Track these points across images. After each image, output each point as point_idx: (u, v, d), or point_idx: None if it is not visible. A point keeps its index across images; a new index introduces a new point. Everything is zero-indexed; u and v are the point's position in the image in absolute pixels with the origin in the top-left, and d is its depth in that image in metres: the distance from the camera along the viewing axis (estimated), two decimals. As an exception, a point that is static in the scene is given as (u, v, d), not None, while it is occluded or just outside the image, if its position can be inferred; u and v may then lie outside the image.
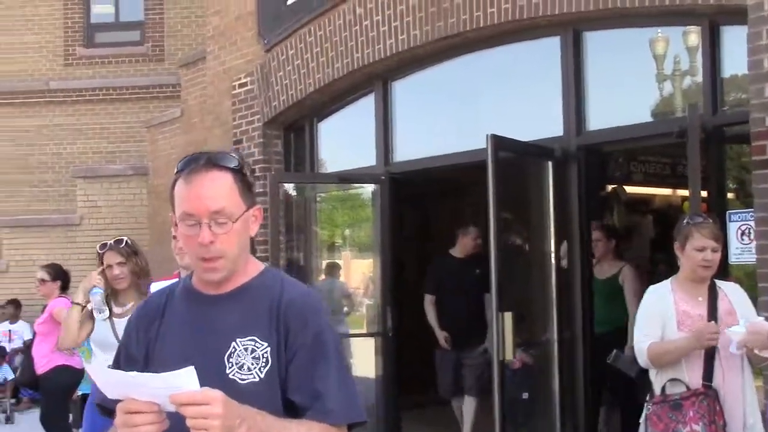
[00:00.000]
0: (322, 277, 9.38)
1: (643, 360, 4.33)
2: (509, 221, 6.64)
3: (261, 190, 9.07)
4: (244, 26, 9.48)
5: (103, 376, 2.05)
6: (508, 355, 6.04)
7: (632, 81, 6.63)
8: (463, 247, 8.23)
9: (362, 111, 8.72)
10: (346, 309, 9.60)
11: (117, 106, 15.46)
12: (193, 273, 2.34)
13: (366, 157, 8.56)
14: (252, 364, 2.15)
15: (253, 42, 9.34)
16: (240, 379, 2.15)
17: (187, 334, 2.24)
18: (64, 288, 7.69)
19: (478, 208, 6.68)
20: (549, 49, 6.86)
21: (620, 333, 6.69)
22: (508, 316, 6.05)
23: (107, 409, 2.16)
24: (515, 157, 6.63)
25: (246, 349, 2.16)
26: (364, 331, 8.74)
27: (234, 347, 2.16)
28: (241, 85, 9.45)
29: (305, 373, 2.16)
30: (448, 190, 10.44)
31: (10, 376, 11.07)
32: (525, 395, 6.85)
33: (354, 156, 8.91)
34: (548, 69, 6.88)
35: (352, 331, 8.99)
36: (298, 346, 2.17)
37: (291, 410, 2.17)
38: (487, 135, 6.15)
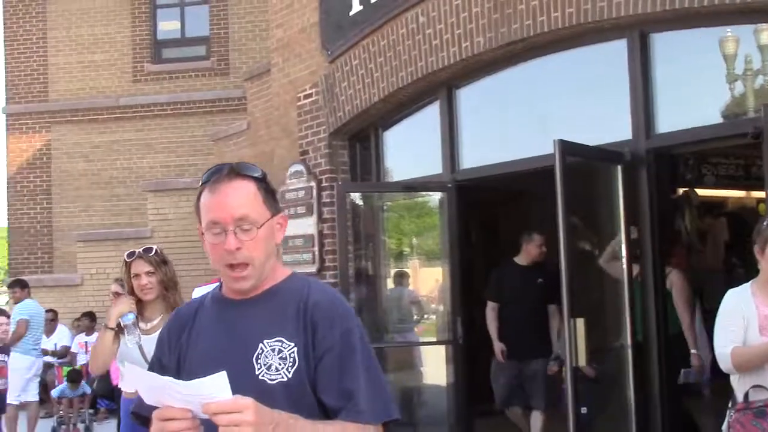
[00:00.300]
0: (391, 285, 9.39)
1: (726, 365, 4.21)
2: (578, 227, 6.56)
3: (328, 200, 9.14)
4: (308, 38, 9.55)
5: (139, 379, 2.07)
6: (582, 362, 5.97)
7: (702, 82, 6.51)
8: (527, 254, 8.09)
9: (427, 119, 8.71)
10: (415, 317, 9.59)
11: (184, 120, 15.71)
12: (222, 283, 2.38)
13: (432, 165, 8.55)
14: (279, 364, 2.18)
15: (317, 53, 9.40)
16: (269, 379, 2.18)
17: (216, 339, 2.28)
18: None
19: (546, 214, 6.61)
20: (615, 51, 6.78)
21: (668, 342, 6.58)
22: (580, 323, 5.99)
23: (142, 417, 2.21)
24: (583, 162, 6.56)
25: (273, 350, 2.19)
26: (434, 339, 8.72)
27: (261, 348, 2.20)
28: (306, 96, 9.52)
29: (334, 374, 2.19)
30: (515, 197, 10.38)
31: (89, 390, 11.29)
32: (583, 410, 6.72)
33: (420, 164, 8.90)
34: (615, 72, 6.80)
35: (422, 340, 8.98)
36: (326, 347, 2.20)
37: (326, 409, 2.19)
38: (554, 140, 6.10)
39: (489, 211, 10.80)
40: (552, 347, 7.73)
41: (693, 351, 6.85)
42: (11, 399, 9.87)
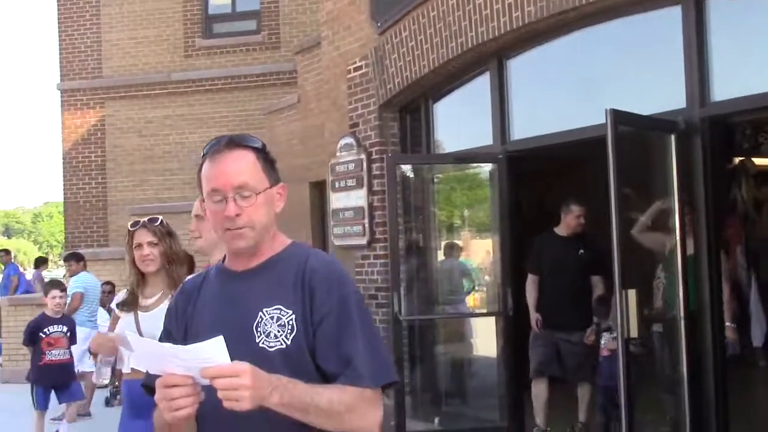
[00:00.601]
0: (441, 257, 9.38)
1: None
2: (630, 197, 6.48)
3: (378, 172, 9.15)
4: (357, 10, 9.53)
5: (143, 348, 2.14)
6: (633, 333, 5.92)
7: (759, 48, 6.37)
8: (566, 225, 7.98)
9: (478, 90, 8.66)
10: (466, 289, 9.57)
11: (235, 95, 15.82)
12: (225, 256, 2.45)
13: (483, 136, 8.51)
14: (278, 331, 2.24)
15: (367, 26, 9.38)
16: (268, 346, 2.24)
17: (219, 310, 2.34)
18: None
19: (598, 185, 6.54)
20: (669, 18, 6.66)
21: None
22: (632, 293, 5.94)
23: (151, 388, 2.23)
24: (636, 132, 6.48)
25: (272, 318, 2.25)
26: (484, 310, 8.71)
27: (261, 317, 2.26)
28: (356, 69, 9.51)
29: (333, 340, 2.24)
30: (566, 168, 10.29)
31: None
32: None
33: (470, 135, 8.86)
34: (669, 39, 6.68)
35: (472, 311, 8.97)
36: (324, 313, 2.25)
37: (325, 375, 2.24)
38: (606, 109, 6.02)
39: (540, 182, 10.73)
40: (592, 319, 7.63)
41: (727, 323, 6.75)
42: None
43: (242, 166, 2.30)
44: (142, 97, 16.45)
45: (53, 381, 8.26)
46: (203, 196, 2.35)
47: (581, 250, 7.73)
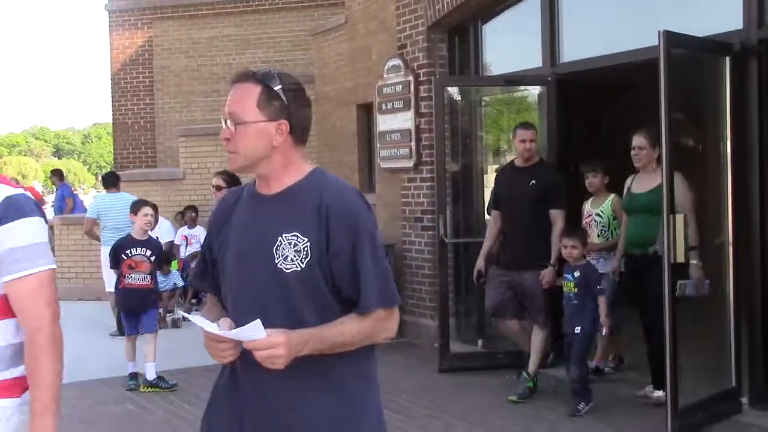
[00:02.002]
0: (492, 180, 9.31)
1: None
2: (681, 121, 6.38)
3: (425, 94, 9.09)
4: (407, -72, 9.36)
5: (200, 322, 2.46)
6: (680, 258, 5.88)
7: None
8: (518, 152, 7.23)
9: (528, 11, 8.52)
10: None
11: (283, 15, 15.71)
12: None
13: (532, 58, 8.40)
14: (294, 256, 2.49)
15: (416, -56, 9.22)
16: (285, 268, 2.49)
17: (246, 228, 2.61)
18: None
19: (649, 109, 6.42)
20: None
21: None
22: (679, 218, 5.89)
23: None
24: (689, 54, 6.34)
25: (290, 243, 2.50)
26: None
27: (280, 241, 2.51)
28: (404, -11, 9.38)
29: (349, 271, 2.50)
30: (617, 91, 10.14)
31: (181, 283, 11.56)
32: (578, 329, 6.44)
33: (519, 58, 8.74)
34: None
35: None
36: (339, 248, 2.49)
37: (338, 296, 2.53)
38: (659, 31, 5.88)
39: (590, 106, 10.59)
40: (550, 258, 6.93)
41: (693, 261, 6.21)
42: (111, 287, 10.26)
43: (242, 97, 2.55)
44: (190, 18, 16.42)
45: (132, 306, 7.98)
46: None
47: (533, 181, 6.97)
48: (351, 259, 2.49)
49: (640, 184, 6.77)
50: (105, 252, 10.27)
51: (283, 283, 2.48)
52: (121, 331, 8.65)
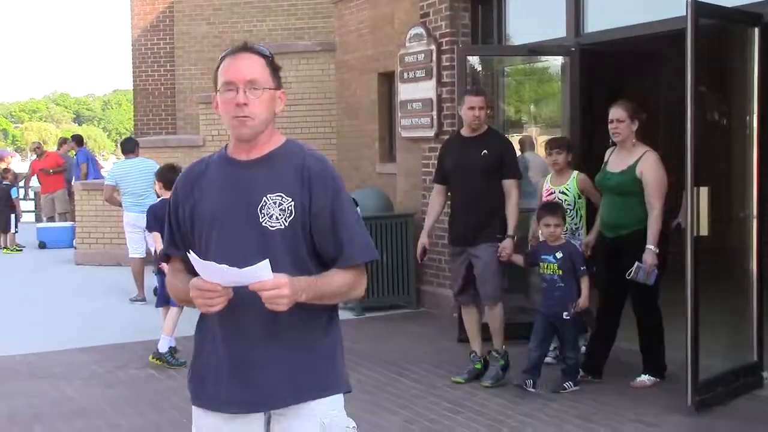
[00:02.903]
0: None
1: None
2: (707, 94, 6.30)
3: (447, 63, 9.03)
4: None
5: (200, 264, 2.54)
6: (703, 231, 5.83)
7: None
8: (464, 120, 6.75)
9: (553, -20, 8.42)
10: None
11: (305, -17, 15.60)
12: (228, 144, 2.85)
13: (555, 28, 8.32)
14: (279, 214, 2.68)
15: None
16: (270, 226, 2.68)
17: (227, 192, 2.75)
18: None
19: (674, 81, 6.34)
20: None
21: (635, 238, 6.17)
22: (703, 191, 5.83)
23: (168, 258, 2.90)
24: (717, 24, 6.26)
25: (274, 203, 2.69)
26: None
27: (265, 201, 2.69)
28: (428, -43, 9.29)
29: (330, 228, 2.72)
30: (642, 62, 10.05)
31: None
32: (566, 314, 6.26)
33: (543, 28, 8.66)
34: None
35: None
36: (321, 205, 2.71)
37: (315, 255, 2.74)
38: (687, 0, 5.80)
39: (614, 77, 10.49)
40: (506, 230, 6.58)
41: (650, 247, 6.08)
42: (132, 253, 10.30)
43: (254, 65, 2.72)
44: (211, -16, 16.35)
45: None
46: (218, 89, 2.74)
47: (485, 151, 6.56)
48: (332, 217, 2.71)
49: (615, 162, 6.49)
50: (128, 218, 10.32)
51: (266, 240, 2.65)
52: (163, 301, 7.69)
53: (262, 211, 2.68)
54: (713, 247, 6.22)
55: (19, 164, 36.17)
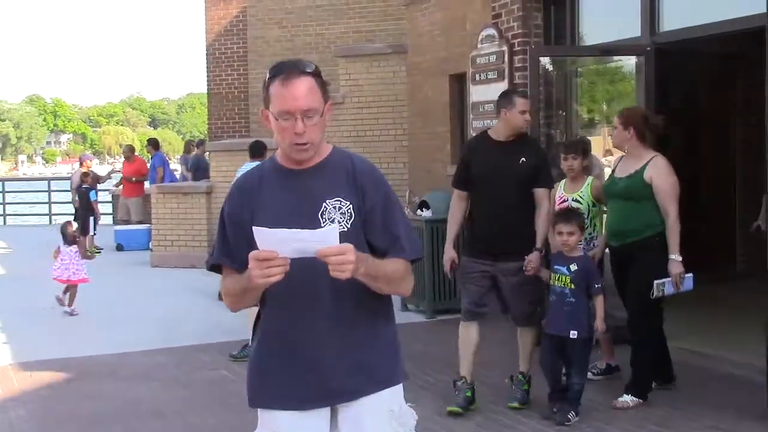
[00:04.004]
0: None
1: None
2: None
3: (520, 65, 8.97)
4: None
5: (267, 235, 2.59)
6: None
7: None
8: (506, 124, 6.13)
9: (627, -22, 8.30)
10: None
11: (375, -14, 15.65)
12: (278, 154, 2.97)
13: (629, 27, 8.20)
14: (340, 218, 2.83)
15: None
16: None
17: (286, 199, 2.88)
18: None
19: (753, 82, 6.21)
20: None
21: (644, 245, 5.95)
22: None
23: (217, 267, 2.97)
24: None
25: (335, 207, 2.84)
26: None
27: (325, 206, 2.84)
28: (499, -43, 9.24)
29: (382, 224, 2.89)
30: (721, 62, 9.85)
31: None
32: (573, 333, 5.70)
33: (617, 27, 8.55)
34: None
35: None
36: (373, 204, 2.88)
37: (373, 251, 2.86)
38: (767, -2, 5.68)
39: (690, 77, 10.32)
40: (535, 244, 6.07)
41: (672, 256, 5.84)
42: None
43: (308, 92, 2.79)
44: (283, -12, 16.50)
45: None
46: (272, 112, 2.82)
47: (523, 158, 6.04)
48: (383, 214, 2.89)
49: (622, 168, 6.26)
50: None
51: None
52: None
53: (323, 216, 2.82)
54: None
55: (98, 168, 36.95)
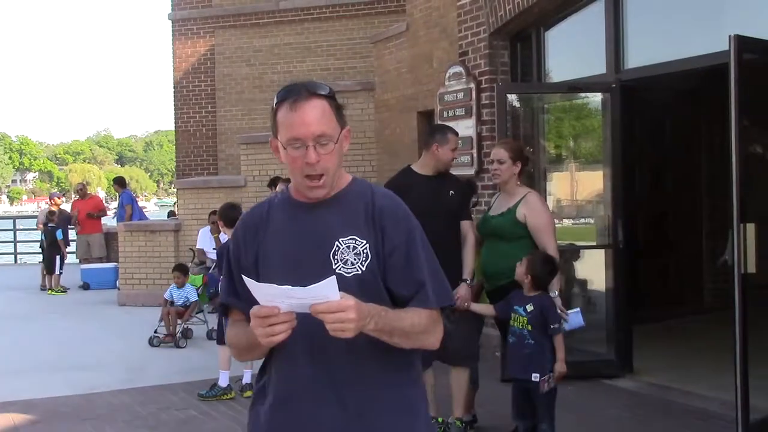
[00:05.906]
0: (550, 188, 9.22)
1: None
2: (750, 129, 6.22)
3: (487, 101, 9.02)
4: (469, -65, 9.31)
5: (258, 290, 2.30)
6: (751, 268, 5.74)
7: None
8: (434, 160, 6.11)
9: (591, 17, 8.42)
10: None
11: (344, 23, 15.75)
12: (290, 185, 2.64)
13: (595, 65, 8.30)
14: (354, 259, 2.47)
15: (478, -49, 9.17)
16: (345, 272, 2.46)
17: (294, 238, 2.54)
18: None
19: (716, 116, 6.29)
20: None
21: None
22: (750, 228, 5.75)
23: (225, 307, 2.66)
24: (761, 60, 6.20)
25: (348, 247, 2.48)
26: (594, 243, 8.56)
27: (337, 246, 2.48)
28: (466, -4, 9.33)
29: (404, 268, 2.50)
30: (683, 98, 9.98)
31: (194, 298, 10.75)
32: (535, 377, 5.33)
33: (582, 64, 8.64)
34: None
35: (580, 243, 8.83)
36: (395, 245, 2.50)
37: (393, 297, 2.50)
38: (729, 35, 5.77)
39: (656, 113, 10.44)
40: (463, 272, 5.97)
41: (552, 294, 5.52)
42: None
43: (320, 116, 2.45)
44: (251, 26, 16.56)
45: None
46: (281, 140, 2.49)
47: (451, 191, 6.09)
48: (406, 258, 2.51)
49: (497, 206, 6.10)
50: None
51: (342, 289, 2.28)
52: (220, 339, 7.78)
53: (335, 257, 2.47)
54: (760, 285, 6.12)
55: (65, 206, 36.69)
